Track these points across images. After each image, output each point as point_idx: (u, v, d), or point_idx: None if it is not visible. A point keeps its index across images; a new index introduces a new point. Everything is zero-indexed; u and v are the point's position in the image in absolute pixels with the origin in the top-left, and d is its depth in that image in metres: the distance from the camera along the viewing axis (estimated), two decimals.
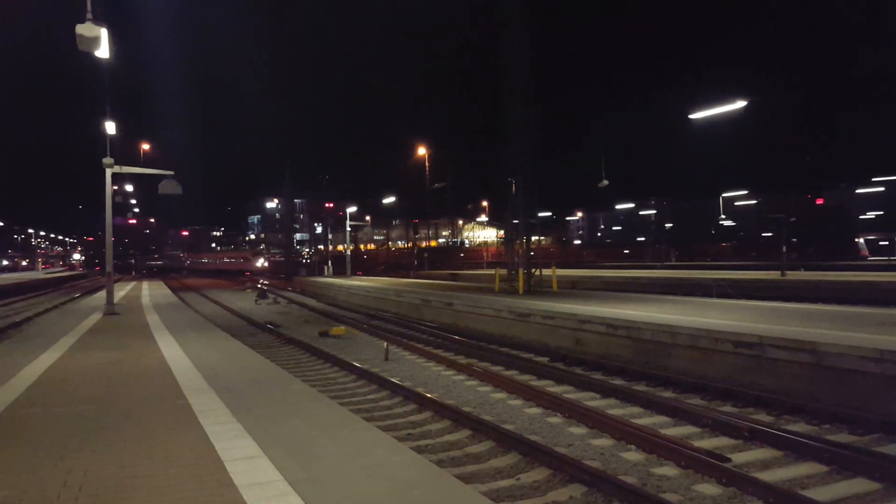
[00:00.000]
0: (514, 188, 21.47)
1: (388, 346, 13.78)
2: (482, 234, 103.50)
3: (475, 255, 71.12)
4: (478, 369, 11.30)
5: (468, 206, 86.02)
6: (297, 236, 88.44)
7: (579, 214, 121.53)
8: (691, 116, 17.36)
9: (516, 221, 21.86)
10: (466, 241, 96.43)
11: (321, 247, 62.25)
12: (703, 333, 10.44)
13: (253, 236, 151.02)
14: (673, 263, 49.48)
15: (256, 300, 30.65)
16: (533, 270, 21.74)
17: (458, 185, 58.75)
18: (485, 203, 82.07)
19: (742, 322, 11.33)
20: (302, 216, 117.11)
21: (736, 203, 70.92)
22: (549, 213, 69.40)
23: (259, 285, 36.73)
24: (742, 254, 55.47)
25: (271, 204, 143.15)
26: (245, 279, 55.13)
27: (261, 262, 61.23)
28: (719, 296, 21.00)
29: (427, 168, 50.09)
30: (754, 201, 71.00)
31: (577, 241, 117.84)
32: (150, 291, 31.39)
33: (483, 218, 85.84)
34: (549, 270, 23.02)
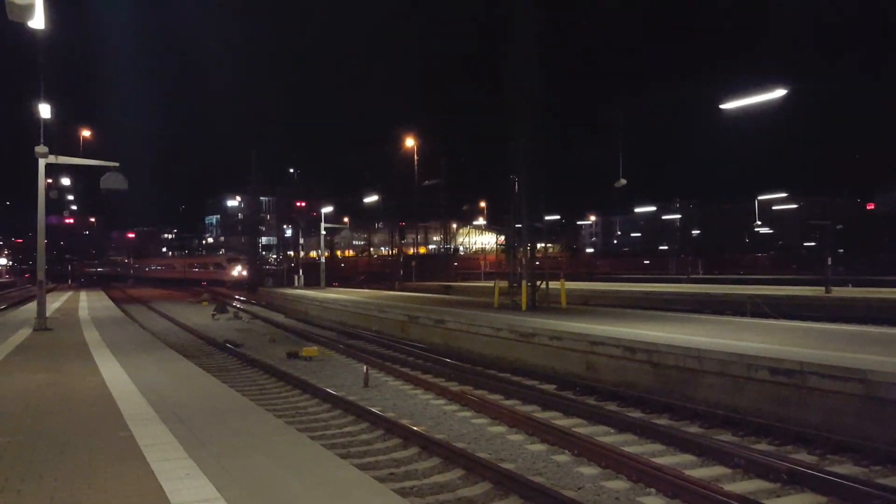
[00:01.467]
0: (517, 187, 21.53)
1: (367, 370, 13.74)
2: (480, 239, 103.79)
3: (471, 264, 71.12)
4: (473, 398, 11.28)
5: (463, 206, 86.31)
6: (263, 240, 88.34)
7: (592, 218, 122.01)
8: (723, 107, 17.49)
9: (519, 226, 21.90)
10: (461, 248, 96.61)
11: (291, 253, 62.24)
12: (736, 359, 10.47)
13: (210, 239, 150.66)
14: (700, 276, 49.72)
15: (214, 314, 30.54)
16: (538, 283, 21.76)
17: (453, 183, 59.03)
18: (483, 204, 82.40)
19: (780, 346, 11.38)
20: (269, 217, 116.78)
21: (774, 207, 71.27)
22: (558, 217, 69.66)
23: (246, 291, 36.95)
24: (780, 266, 55.89)
25: (233, 202, 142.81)
26: (202, 290, 54.87)
27: (238, 271, 57.90)
28: (754, 315, 21.10)
29: (416, 162, 50.30)
30: (795, 205, 71.61)
31: (590, 250, 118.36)
32: (90, 303, 31.18)
33: (481, 221, 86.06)
34: (557, 283, 23.06)
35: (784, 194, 57.68)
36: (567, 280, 26.54)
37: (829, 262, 27.28)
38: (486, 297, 28.39)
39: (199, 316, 30.81)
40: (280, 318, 29.61)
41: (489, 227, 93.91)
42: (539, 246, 25.21)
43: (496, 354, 16.27)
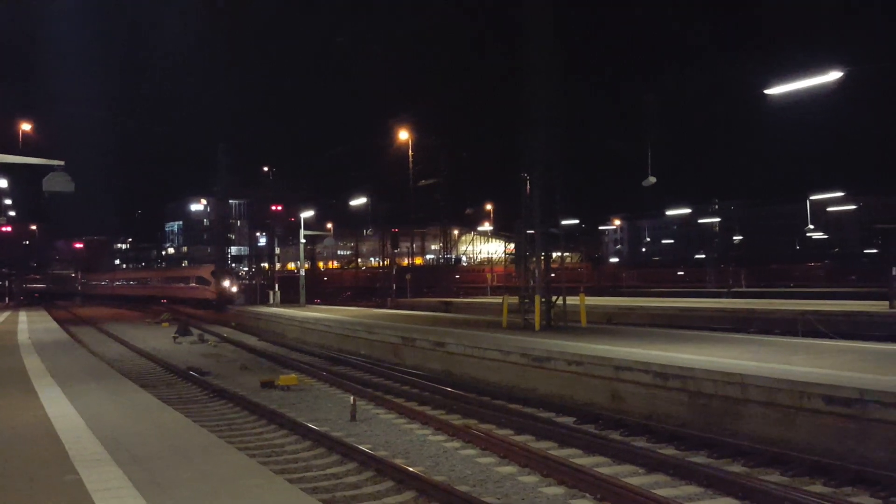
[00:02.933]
0: (529, 187, 21.57)
1: (355, 401, 13.74)
2: (485, 248, 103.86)
3: (476, 276, 71.20)
4: (478, 433, 11.27)
5: (466, 210, 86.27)
6: (233, 250, 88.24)
7: (617, 223, 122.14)
8: (768, 92, 17.54)
9: (532, 232, 21.92)
10: (464, 258, 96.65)
11: (266, 265, 62.03)
12: (785, 385, 10.47)
13: (172, 249, 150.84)
14: (743, 290, 49.63)
15: (176, 337, 30.54)
16: (554, 298, 21.76)
17: (454, 182, 59.02)
18: (489, 207, 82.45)
19: (837, 370, 11.39)
20: (239, 223, 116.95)
21: (829, 209, 71.54)
22: (577, 221, 69.60)
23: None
24: (837, 277, 55.70)
25: (198, 206, 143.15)
26: (161, 308, 54.86)
27: (228, 284, 56.46)
28: (806, 334, 21.07)
29: (411, 159, 50.35)
30: (853, 206, 71.72)
31: (614, 259, 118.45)
32: (31, 325, 31.18)
33: (486, 227, 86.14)
34: (576, 298, 23.07)
35: (840, 193, 57.75)
36: (588, 294, 26.56)
37: (895, 273, 27.23)
38: (493, 316, 28.35)
39: (158, 339, 30.80)
40: (252, 340, 29.59)
41: (496, 233, 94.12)
42: (555, 255, 25.24)
43: (505, 382, 16.24)
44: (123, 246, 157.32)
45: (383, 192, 59.56)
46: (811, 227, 65.26)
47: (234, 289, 54.42)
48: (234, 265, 66.96)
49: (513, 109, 22.18)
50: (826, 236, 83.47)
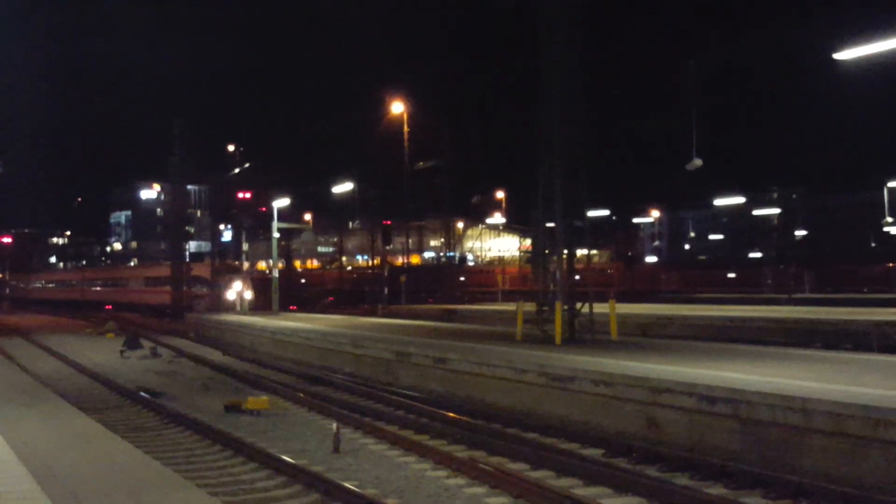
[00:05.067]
0: (548, 171, 21.55)
1: (339, 428, 13.74)
2: (495, 244, 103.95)
3: (484, 278, 71.23)
4: (486, 468, 11.28)
5: (473, 199, 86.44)
6: (192, 245, 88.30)
7: (655, 215, 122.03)
8: (837, 56, 17.51)
9: (552, 225, 21.90)
10: (470, 257, 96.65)
11: (233, 262, 61.78)
12: (857, 412, 10.46)
13: (118, 245, 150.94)
14: (807, 296, 49.57)
15: (123, 351, 30.53)
16: (578, 306, 21.74)
17: (459, 166, 58.92)
18: (500, 195, 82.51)
19: None
20: (199, 213, 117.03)
21: None
22: (607, 213, 69.64)
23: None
24: None
25: (149, 193, 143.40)
26: (105, 316, 54.87)
27: (236, 291, 49.86)
28: (883, 349, 21.04)
29: (406, 137, 50.28)
30: None
31: (651, 258, 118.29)
32: None
33: (497, 219, 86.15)
34: (605, 306, 23.07)
35: None
36: (619, 301, 26.53)
37: None
38: (504, 326, 28.31)
39: (102, 353, 30.80)
40: (216, 355, 29.57)
41: (509, 226, 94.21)
42: (580, 253, 25.21)
43: (520, 406, 16.23)
44: (60, 240, 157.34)
45: (373, 176, 59.62)
46: (889, 219, 64.96)
47: (248, 293, 50.62)
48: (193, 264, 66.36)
49: (529, 77, 22.15)
50: None
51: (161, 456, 12.39)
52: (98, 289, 70.86)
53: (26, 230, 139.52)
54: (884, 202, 64.22)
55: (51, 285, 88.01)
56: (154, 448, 13.23)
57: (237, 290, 49.65)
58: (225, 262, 58.60)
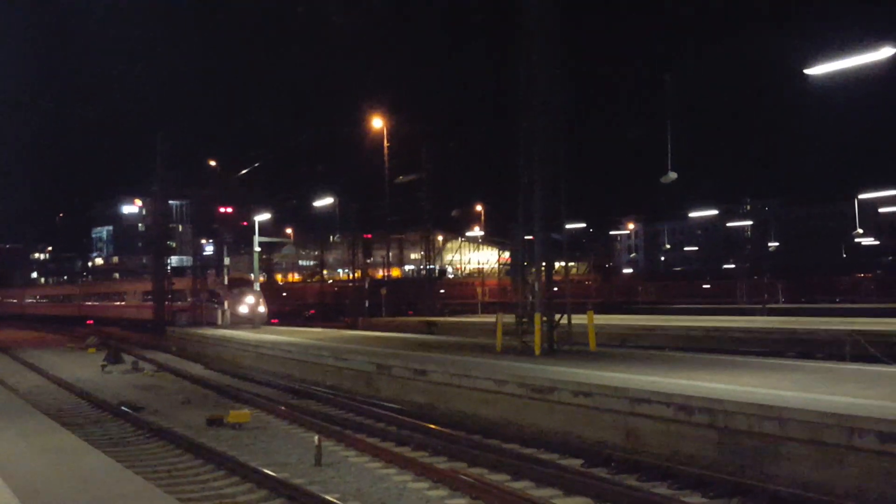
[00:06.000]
0: (528, 185, 21.60)
1: (320, 441, 13.66)
2: (475, 257, 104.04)
3: (464, 290, 71.15)
4: (467, 479, 11.24)
5: (453, 212, 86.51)
6: (173, 260, 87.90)
7: (631, 227, 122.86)
8: (809, 72, 17.69)
9: (531, 238, 21.94)
10: (450, 269, 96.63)
11: (245, 275, 61.06)
12: (831, 420, 10.51)
13: (100, 260, 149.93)
14: (781, 306, 49.91)
15: (105, 365, 30.30)
16: (557, 317, 21.77)
17: (439, 180, 58.95)
18: (480, 208, 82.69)
19: (894, 402, 11.45)
20: (181, 228, 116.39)
21: (881, 209, 72.16)
22: (584, 226, 69.97)
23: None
24: (891, 290, 56.21)
25: (131, 208, 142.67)
26: (87, 331, 54.41)
27: (253, 301, 47.72)
28: (856, 358, 21.17)
29: (386, 152, 50.28)
30: None
31: (628, 270, 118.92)
32: None
33: (477, 232, 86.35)
34: (584, 317, 23.11)
35: (895, 191, 58.29)
36: (597, 312, 26.61)
37: None
38: (485, 338, 28.31)
39: (83, 367, 30.56)
40: (197, 369, 29.42)
41: (488, 239, 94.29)
42: (558, 265, 25.27)
43: (500, 417, 16.21)
44: (42, 255, 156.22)
45: (353, 190, 59.57)
46: (860, 231, 65.81)
47: (262, 308, 48.46)
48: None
49: (508, 91, 22.20)
50: (878, 242, 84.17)
51: (143, 470, 12.29)
52: (121, 303, 68.89)
53: (7, 246, 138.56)
54: (855, 214, 65.00)
55: (36, 300, 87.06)
56: (135, 462, 13.14)
57: (249, 304, 47.47)
58: (239, 276, 56.88)
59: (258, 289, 45.91)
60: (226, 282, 49.23)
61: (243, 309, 47.76)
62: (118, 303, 63.99)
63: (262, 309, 48.21)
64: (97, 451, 10.44)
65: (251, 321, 46.50)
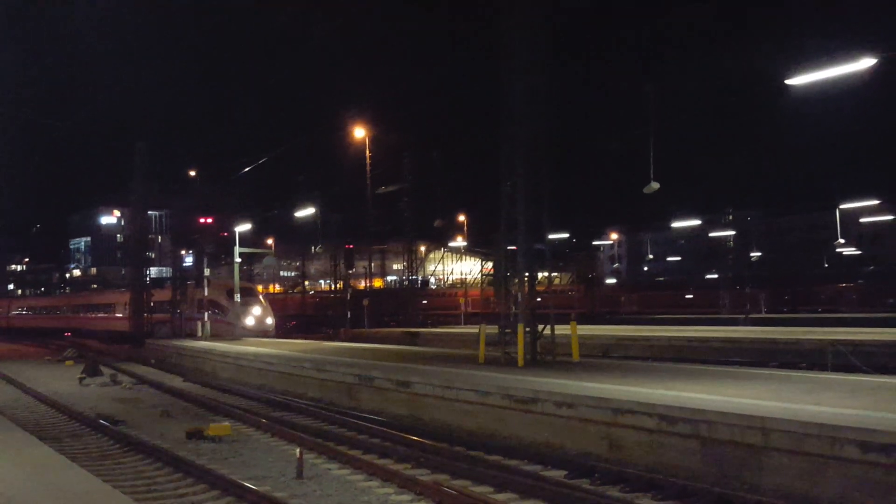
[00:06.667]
0: (510, 194, 21.65)
1: (302, 454, 13.61)
2: (458, 267, 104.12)
3: (447, 301, 71.30)
4: (450, 491, 11.23)
5: (435, 222, 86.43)
6: (153, 271, 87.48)
7: (614, 237, 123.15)
8: (790, 82, 17.84)
9: (514, 248, 21.97)
10: (432, 280, 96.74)
11: (249, 284, 60.61)
12: (814, 430, 10.57)
13: (77, 272, 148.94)
14: (764, 316, 50.25)
15: (83, 378, 30.08)
16: (540, 328, 21.80)
17: (421, 190, 59.08)
18: (462, 218, 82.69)
19: (875, 411, 11.54)
20: (160, 239, 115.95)
21: (862, 220, 72.74)
22: (567, 236, 70.10)
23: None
24: (872, 299, 56.68)
25: (109, 219, 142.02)
26: (64, 343, 54.05)
27: (259, 312, 45.04)
28: (837, 368, 21.34)
29: (369, 161, 50.34)
30: (891, 216, 72.95)
31: (611, 280, 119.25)
32: None
33: (460, 242, 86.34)
34: (567, 327, 23.15)
35: (875, 202, 58.76)
36: (581, 323, 26.63)
37: None
38: (467, 349, 28.30)
39: (61, 380, 30.32)
40: (177, 381, 29.26)
41: (471, 250, 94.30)
42: (541, 276, 25.30)
43: (483, 429, 16.19)
44: (18, 267, 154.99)
45: (335, 201, 59.48)
46: (842, 241, 66.25)
47: (270, 319, 46.00)
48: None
49: (491, 101, 22.28)
50: (859, 252, 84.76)
51: (121, 484, 12.21)
52: (107, 315, 67.90)
53: None
54: (836, 224, 65.46)
55: (28, 312, 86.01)
56: (114, 477, 13.03)
57: (257, 316, 44.85)
58: (244, 284, 55.06)
59: (238, 302, 45.09)
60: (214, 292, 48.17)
61: (250, 321, 45.04)
62: (102, 314, 63.57)
63: (270, 320, 45.98)
64: (75, 465, 10.37)
65: (266, 333, 44.07)
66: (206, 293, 47.05)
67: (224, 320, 44.90)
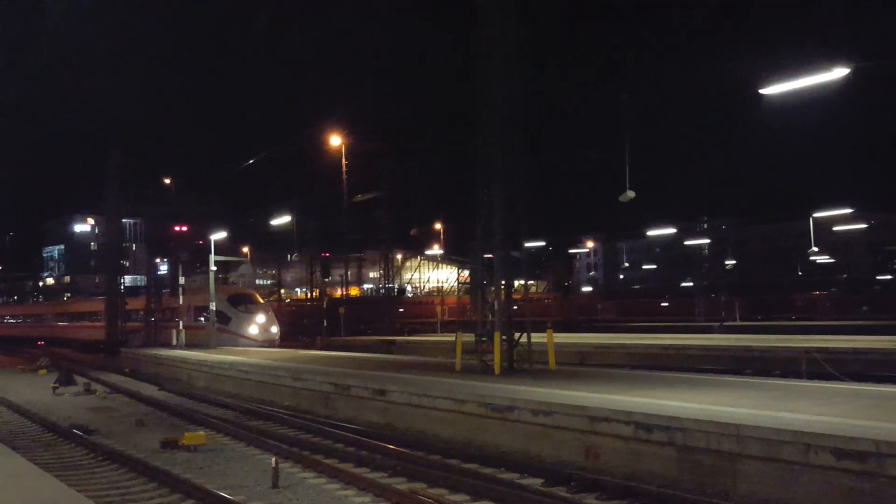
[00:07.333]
0: (487, 203, 21.67)
1: (277, 462, 13.54)
2: (435, 275, 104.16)
3: (423, 309, 71.13)
4: (426, 500, 11.22)
5: (412, 230, 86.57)
6: (127, 279, 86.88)
7: (590, 245, 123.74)
8: (764, 92, 17.98)
9: (490, 256, 21.99)
10: (409, 288, 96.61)
11: (249, 291, 59.97)
12: (788, 437, 10.64)
13: (51, 280, 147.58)
14: (738, 323, 50.52)
15: (56, 387, 29.82)
16: (517, 336, 21.80)
17: (398, 198, 59.06)
18: (439, 226, 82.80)
19: (848, 419, 11.63)
20: (135, 247, 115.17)
21: (835, 228, 73.45)
22: (543, 244, 70.31)
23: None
24: (845, 307, 57.14)
25: (83, 227, 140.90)
26: (38, 352, 53.51)
27: (263, 320, 43.23)
28: (811, 375, 21.49)
29: (344, 170, 50.22)
30: (863, 225, 73.79)
31: (587, 288, 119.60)
32: None
33: (436, 250, 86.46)
34: (543, 335, 23.19)
35: (848, 210, 59.34)
36: (557, 331, 26.68)
37: None
38: (444, 357, 28.30)
39: (34, 389, 30.03)
40: (152, 390, 29.05)
41: (448, 258, 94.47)
42: (518, 284, 25.35)
43: (460, 437, 16.18)
44: None
45: (312, 209, 59.32)
46: (815, 249, 66.88)
47: (275, 328, 43.65)
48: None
49: (468, 109, 22.29)
50: (832, 260, 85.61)
51: (95, 495, 12.10)
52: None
53: None
54: (809, 233, 66.07)
55: (32, 321, 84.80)
56: (88, 487, 12.93)
57: (260, 324, 42.46)
58: (242, 290, 53.13)
59: (213, 310, 44.31)
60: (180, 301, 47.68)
61: (254, 330, 42.64)
62: (76, 323, 62.94)
63: (275, 329, 43.57)
64: (48, 475, 10.25)
65: (272, 343, 41.89)
66: (180, 301, 46.59)
67: (226, 329, 42.62)
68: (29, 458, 13.01)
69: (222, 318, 42.90)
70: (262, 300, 49.70)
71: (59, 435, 19.00)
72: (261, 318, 43.06)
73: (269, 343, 41.84)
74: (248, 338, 41.80)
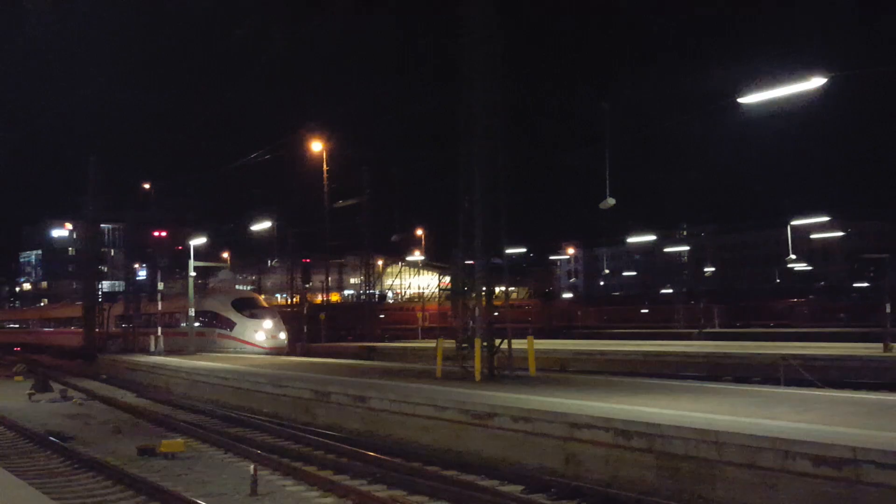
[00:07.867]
0: (468, 209, 21.70)
1: (256, 470, 13.47)
2: (416, 281, 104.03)
3: (404, 316, 71.05)
4: None
5: (393, 236, 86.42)
6: (105, 285, 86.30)
7: (571, 252, 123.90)
8: (742, 101, 18.11)
9: (471, 262, 22.01)
10: (390, 294, 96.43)
11: (253, 294, 59.60)
12: (766, 444, 10.69)
13: (28, 285, 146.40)
14: (717, 330, 50.81)
15: (32, 394, 29.56)
16: (498, 342, 21.82)
17: (379, 204, 59.02)
18: (420, 232, 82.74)
19: (826, 425, 11.71)
20: (113, 252, 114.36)
21: (812, 236, 73.93)
22: (524, 251, 70.45)
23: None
24: (823, 314, 57.54)
25: (61, 232, 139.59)
26: (14, 358, 53.00)
27: (270, 325, 40.77)
28: (789, 382, 21.62)
29: (325, 175, 50.12)
30: (840, 233, 74.32)
31: (568, 295, 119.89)
32: None
33: (417, 256, 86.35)
34: (524, 342, 23.22)
35: (825, 218, 59.72)
36: (537, 337, 26.74)
37: (889, 310, 28.20)
38: (425, 363, 28.28)
39: (9, 396, 29.74)
40: (129, 397, 28.87)
41: (429, 264, 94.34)
42: (499, 290, 25.41)
43: (440, 444, 16.15)
44: None
45: (292, 214, 59.14)
46: (793, 257, 67.21)
47: (283, 334, 41.76)
48: (106, 305, 64.07)
49: (450, 116, 22.33)
50: (810, 268, 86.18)
51: (71, 503, 12.00)
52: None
53: None
54: (787, 240, 66.47)
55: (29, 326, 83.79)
56: (64, 495, 12.84)
57: (267, 329, 40.34)
58: (248, 294, 51.18)
59: (192, 316, 44.05)
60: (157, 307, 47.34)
61: (260, 336, 40.46)
62: (53, 329, 62.48)
63: (283, 335, 41.60)
64: (24, 483, 10.14)
65: (280, 350, 39.91)
66: (159, 307, 46.37)
67: (230, 336, 40.86)
68: (4, 465, 12.88)
69: (226, 323, 41.27)
70: (267, 304, 48.10)
71: (35, 442, 18.81)
72: (268, 323, 41.16)
73: (278, 351, 39.93)
74: (254, 345, 40.00)
